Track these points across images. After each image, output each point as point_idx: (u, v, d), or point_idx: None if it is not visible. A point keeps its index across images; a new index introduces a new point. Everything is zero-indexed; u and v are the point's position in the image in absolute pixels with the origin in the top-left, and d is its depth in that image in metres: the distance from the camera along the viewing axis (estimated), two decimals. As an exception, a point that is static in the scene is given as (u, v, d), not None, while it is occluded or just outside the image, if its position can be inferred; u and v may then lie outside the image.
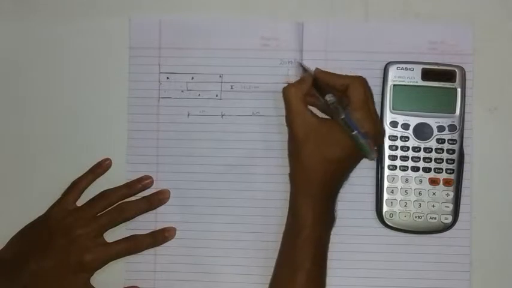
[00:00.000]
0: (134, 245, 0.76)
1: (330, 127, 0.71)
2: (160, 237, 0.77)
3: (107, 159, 0.78)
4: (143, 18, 0.79)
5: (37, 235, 0.75)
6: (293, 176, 0.73)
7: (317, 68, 0.75)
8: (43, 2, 0.79)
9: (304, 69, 0.75)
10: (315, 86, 0.73)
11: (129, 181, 0.77)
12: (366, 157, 0.72)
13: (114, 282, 0.76)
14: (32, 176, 0.78)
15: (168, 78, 0.79)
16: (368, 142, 0.70)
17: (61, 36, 0.79)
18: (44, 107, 0.79)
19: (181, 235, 0.77)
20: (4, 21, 0.79)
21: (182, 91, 0.78)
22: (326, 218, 0.73)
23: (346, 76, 0.74)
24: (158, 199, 0.77)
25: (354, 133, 0.70)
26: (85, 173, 0.77)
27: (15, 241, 0.75)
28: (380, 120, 0.75)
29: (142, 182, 0.77)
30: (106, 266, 0.75)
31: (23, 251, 0.74)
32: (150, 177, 0.78)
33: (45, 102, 0.79)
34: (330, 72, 0.75)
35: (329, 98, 0.71)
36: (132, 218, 0.76)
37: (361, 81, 0.73)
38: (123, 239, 0.76)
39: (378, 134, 0.74)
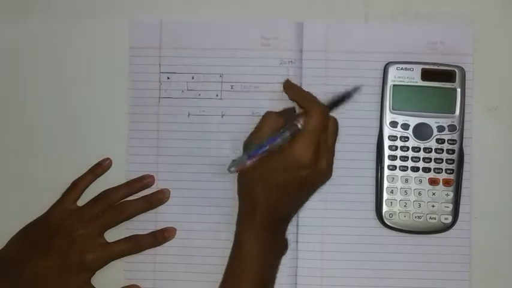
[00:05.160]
0: (135, 244, 0.76)
1: (275, 154, 0.70)
2: (160, 237, 0.77)
3: (107, 159, 0.78)
4: (144, 18, 0.79)
5: (38, 235, 0.75)
6: (239, 207, 0.73)
7: (287, 80, 0.76)
8: (43, 2, 0.79)
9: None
10: None
11: (129, 180, 0.77)
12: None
13: (114, 282, 0.76)
14: (32, 176, 0.78)
15: (168, 78, 0.79)
16: (240, 161, 0.71)
17: (61, 36, 0.79)
18: (44, 107, 0.79)
19: (182, 235, 0.77)
20: (4, 21, 0.79)
21: (182, 91, 0.78)
22: (274, 248, 0.72)
23: (310, 99, 0.73)
24: (158, 198, 0.77)
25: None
26: (85, 173, 0.77)
27: (15, 241, 0.75)
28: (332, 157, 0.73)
29: (144, 181, 0.77)
30: (106, 266, 0.75)
31: (24, 251, 0.74)
32: (151, 176, 0.78)
33: (45, 102, 0.79)
34: (297, 88, 0.75)
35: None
36: (133, 217, 0.77)
37: (319, 111, 0.71)
38: (124, 238, 0.76)
39: (317, 171, 0.71)
